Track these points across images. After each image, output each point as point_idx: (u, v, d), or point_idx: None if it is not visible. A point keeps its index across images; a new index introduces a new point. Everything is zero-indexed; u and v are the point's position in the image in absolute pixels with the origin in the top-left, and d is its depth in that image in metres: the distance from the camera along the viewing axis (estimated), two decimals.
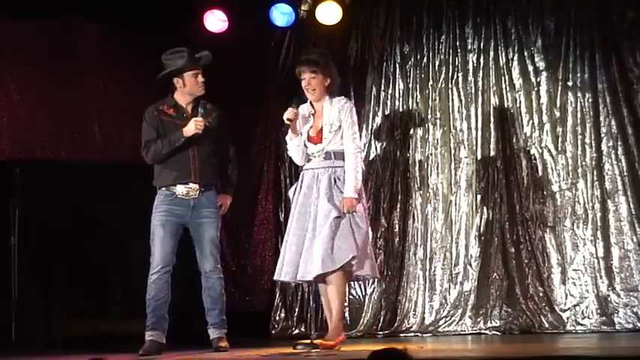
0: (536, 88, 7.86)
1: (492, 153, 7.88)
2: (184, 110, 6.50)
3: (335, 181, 6.22)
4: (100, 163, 7.80)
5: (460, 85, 7.98)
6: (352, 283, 7.83)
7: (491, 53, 7.94)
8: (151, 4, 7.66)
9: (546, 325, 7.55)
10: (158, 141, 6.44)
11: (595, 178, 7.69)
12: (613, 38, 7.71)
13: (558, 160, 7.79)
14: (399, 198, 7.97)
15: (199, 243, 6.48)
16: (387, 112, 8.09)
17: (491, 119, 7.91)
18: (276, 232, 8.12)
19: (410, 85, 8.08)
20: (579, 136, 7.76)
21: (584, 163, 7.73)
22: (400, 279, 7.87)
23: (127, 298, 7.65)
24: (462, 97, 7.98)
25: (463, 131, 7.95)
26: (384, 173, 8.01)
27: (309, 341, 6.46)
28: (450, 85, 8.00)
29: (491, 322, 7.66)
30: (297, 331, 7.91)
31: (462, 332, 7.68)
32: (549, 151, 7.80)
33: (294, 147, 6.38)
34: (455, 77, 8.00)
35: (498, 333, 7.60)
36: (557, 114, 7.81)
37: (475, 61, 7.97)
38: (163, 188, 6.47)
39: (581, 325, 7.53)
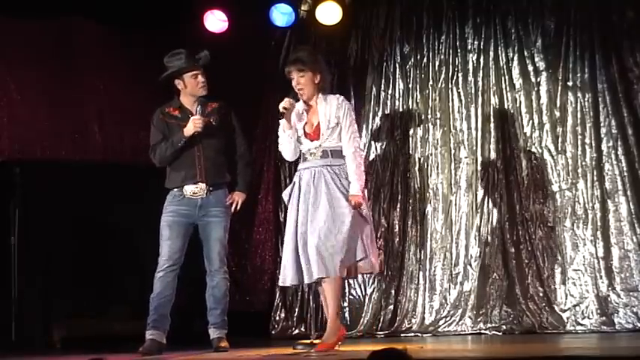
0: (536, 88, 7.86)
1: (492, 153, 7.88)
2: (189, 111, 6.51)
3: (337, 179, 6.16)
4: (100, 163, 7.81)
5: (460, 85, 7.98)
6: (352, 283, 7.86)
7: (491, 53, 7.94)
8: (151, 4, 7.66)
9: (546, 325, 7.55)
10: (162, 143, 6.47)
11: (595, 178, 7.69)
12: (613, 38, 7.71)
13: (558, 160, 7.79)
14: (399, 198, 7.98)
15: (206, 242, 6.50)
16: (387, 112, 8.09)
17: (491, 119, 7.91)
18: (276, 232, 8.12)
19: (410, 85, 8.08)
20: (579, 136, 7.76)
21: (584, 163, 7.73)
22: (400, 279, 7.87)
23: (128, 298, 7.65)
24: (462, 97, 7.98)
25: (463, 131, 7.95)
26: (384, 173, 8.01)
27: (309, 341, 6.47)
28: (450, 85, 8.00)
29: (491, 322, 7.66)
30: (297, 331, 7.92)
31: (462, 332, 7.68)
32: (549, 151, 7.80)
33: (286, 139, 6.30)
34: (455, 77, 8.00)
35: (498, 333, 7.60)
36: (557, 114, 7.82)
37: (475, 61, 7.98)
38: (175, 189, 6.50)
39: (581, 325, 7.53)
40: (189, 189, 6.46)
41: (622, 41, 7.67)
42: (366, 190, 6.39)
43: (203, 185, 6.46)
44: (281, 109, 6.24)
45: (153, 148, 6.53)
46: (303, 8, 7.96)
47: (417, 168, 7.99)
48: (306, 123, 6.30)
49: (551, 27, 7.84)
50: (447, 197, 7.92)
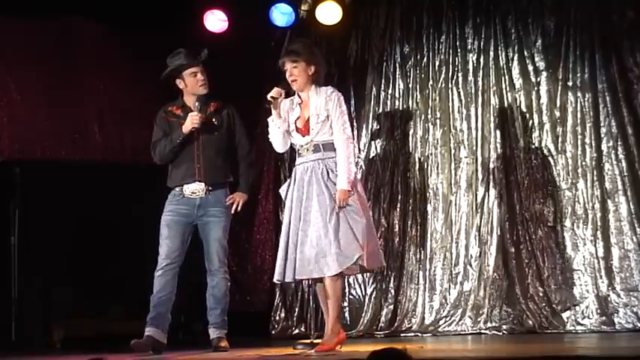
0: (536, 88, 7.86)
1: (492, 153, 7.88)
2: (191, 110, 6.52)
3: (328, 173, 6.08)
4: (100, 163, 7.81)
5: (460, 85, 7.99)
6: (352, 283, 7.86)
7: (491, 53, 7.94)
8: (151, 4, 7.66)
9: (546, 325, 7.55)
10: (162, 140, 6.49)
11: (595, 178, 7.69)
12: (613, 38, 7.71)
13: (558, 160, 7.79)
14: (399, 198, 7.97)
15: (206, 242, 6.52)
16: (387, 112, 8.09)
17: (491, 119, 7.91)
18: (276, 232, 8.10)
19: (410, 85, 8.08)
20: (579, 136, 7.76)
21: (584, 163, 7.74)
22: (400, 279, 7.87)
23: (128, 298, 7.64)
24: (462, 97, 7.98)
25: (463, 131, 7.95)
26: (384, 173, 8.01)
27: (309, 341, 6.46)
28: (450, 85, 8.00)
29: (491, 322, 7.66)
30: (297, 331, 7.91)
31: (462, 332, 7.68)
32: (549, 151, 7.81)
33: (275, 129, 6.24)
34: (455, 77, 8.00)
35: (498, 333, 7.60)
36: (557, 114, 7.82)
37: (475, 61, 7.98)
38: (176, 188, 6.51)
39: (581, 325, 7.53)
40: (188, 188, 6.47)
41: (622, 41, 7.68)
42: (359, 183, 6.23)
43: (202, 185, 6.46)
44: (268, 97, 6.18)
45: (153, 145, 6.56)
46: (303, 8, 7.96)
47: (417, 168, 7.99)
48: (298, 117, 6.24)
49: (551, 27, 7.85)
50: (447, 197, 7.92)
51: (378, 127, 8.08)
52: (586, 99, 7.77)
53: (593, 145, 7.71)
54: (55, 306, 7.75)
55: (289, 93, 6.32)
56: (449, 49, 8.02)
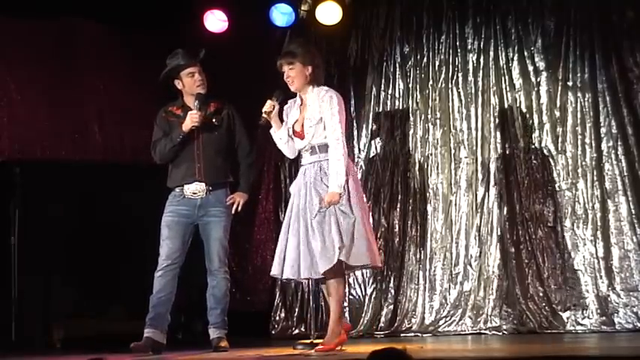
0: (536, 88, 7.86)
1: (492, 153, 7.88)
2: (190, 110, 6.52)
3: (321, 176, 6.08)
4: (100, 163, 7.81)
5: (460, 85, 7.98)
6: (352, 283, 7.86)
7: (491, 53, 7.94)
8: (151, 4, 7.66)
9: (546, 325, 7.55)
10: (162, 139, 6.50)
11: (595, 178, 7.69)
12: (613, 38, 7.71)
13: (558, 160, 7.79)
14: (399, 198, 7.97)
15: (207, 242, 6.52)
16: (387, 112, 8.09)
17: (491, 119, 7.91)
18: (277, 232, 8.10)
19: (410, 85, 8.08)
20: (579, 136, 7.76)
21: (584, 163, 7.73)
22: (400, 279, 7.87)
23: (128, 299, 7.64)
24: (462, 97, 7.98)
25: (463, 131, 7.95)
26: (384, 173, 8.01)
27: (309, 341, 6.46)
28: (450, 85, 8.00)
29: (491, 322, 7.65)
30: (297, 331, 7.91)
31: (462, 332, 7.68)
32: (549, 151, 7.81)
33: (278, 140, 6.31)
34: (455, 77, 8.00)
35: (498, 333, 7.60)
36: (557, 114, 7.81)
37: (475, 61, 7.98)
38: (176, 188, 6.52)
39: (581, 325, 7.53)
40: (189, 189, 6.47)
41: (622, 41, 7.67)
42: (352, 182, 6.11)
43: (202, 185, 6.47)
44: (263, 114, 6.20)
45: (154, 144, 6.56)
46: (303, 8, 7.96)
47: (417, 168, 7.99)
48: (296, 121, 6.25)
49: (551, 27, 7.84)
50: (447, 197, 7.91)
51: (378, 127, 8.07)
52: (586, 99, 7.77)
53: (593, 145, 7.71)
54: (55, 306, 7.76)
55: (288, 96, 6.32)
56: (449, 49, 8.01)
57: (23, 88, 7.60)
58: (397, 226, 7.95)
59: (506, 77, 7.91)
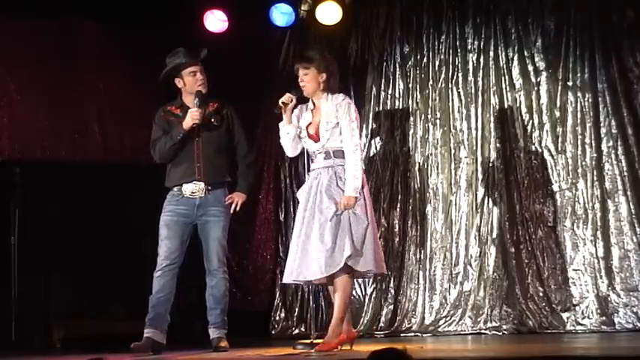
0: (536, 88, 7.86)
1: (492, 153, 7.88)
2: (189, 109, 6.52)
3: (336, 180, 6.14)
4: (100, 163, 7.81)
5: (460, 85, 7.99)
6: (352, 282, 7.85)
7: (491, 53, 7.94)
8: (151, 4, 7.66)
9: (546, 325, 7.55)
10: (162, 138, 6.49)
11: (595, 178, 7.69)
12: (613, 38, 7.71)
13: (558, 160, 7.79)
14: (399, 198, 7.97)
15: (205, 241, 6.51)
16: (387, 112, 8.09)
17: (491, 119, 7.91)
18: (277, 232, 8.13)
19: (410, 85, 8.08)
20: (579, 136, 7.76)
21: (584, 163, 7.74)
22: (400, 279, 7.87)
23: (128, 299, 7.64)
24: (462, 97, 7.98)
25: (463, 131, 7.95)
26: (384, 173, 8.01)
27: (309, 341, 6.46)
28: (450, 85, 8.00)
29: (491, 322, 7.66)
30: (297, 331, 7.92)
31: (462, 332, 7.68)
32: (549, 151, 7.81)
33: (285, 135, 6.32)
34: (455, 77, 8.00)
35: (498, 333, 7.60)
36: (557, 114, 7.82)
37: (475, 61, 7.98)
38: (175, 188, 6.51)
39: (581, 325, 7.54)
40: (187, 188, 6.47)
41: (622, 41, 7.68)
42: (366, 189, 6.23)
43: (201, 184, 6.46)
44: (280, 103, 6.25)
45: (153, 143, 6.55)
46: (303, 8, 7.96)
47: (417, 168, 7.99)
48: (310, 124, 6.30)
49: (551, 27, 7.85)
50: (447, 197, 7.92)
51: (378, 127, 8.08)
52: (586, 99, 7.77)
53: (593, 145, 7.71)
54: (55, 306, 7.76)
55: (301, 98, 6.34)
56: (449, 49, 8.02)
57: (23, 88, 7.60)
58: (397, 226, 7.95)
59: (506, 77, 7.91)
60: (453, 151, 7.95)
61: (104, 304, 7.82)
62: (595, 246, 7.62)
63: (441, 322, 7.76)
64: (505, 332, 7.60)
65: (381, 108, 8.11)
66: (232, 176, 6.65)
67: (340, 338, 6.17)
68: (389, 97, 8.11)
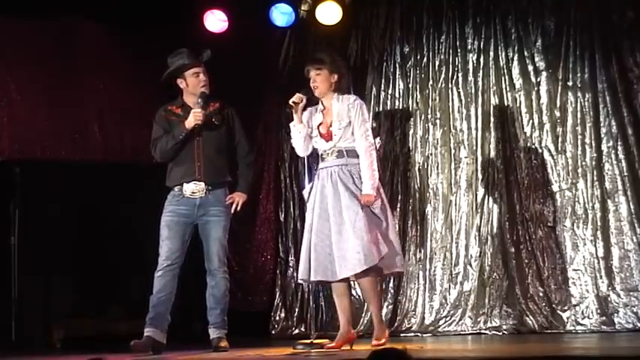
0: (536, 88, 7.86)
1: (492, 153, 7.88)
2: (191, 109, 6.52)
3: (353, 179, 6.23)
4: (100, 163, 7.81)
5: (460, 85, 7.99)
6: (352, 283, 7.84)
7: (491, 53, 7.94)
8: (151, 4, 7.66)
9: (546, 325, 7.56)
10: (163, 137, 6.49)
11: (595, 178, 7.69)
12: (613, 38, 7.71)
13: (558, 160, 7.79)
14: (399, 198, 7.98)
15: (206, 241, 6.52)
16: (387, 112, 8.09)
17: (491, 119, 7.91)
18: (277, 232, 8.13)
19: (410, 85, 8.08)
20: (579, 136, 7.76)
21: (584, 163, 7.73)
22: (400, 279, 7.86)
23: (128, 298, 7.65)
24: (462, 97, 7.98)
25: (463, 131, 7.95)
26: (384, 173, 7.99)
27: (309, 341, 6.46)
28: (450, 85, 8.00)
29: (491, 322, 7.66)
30: (297, 331, 7.92)
31: (462, 332, 7.68)
32: (549, 151, 7.80)
33: (296, 134, 6.41)
34: (455, 77, 8.00)
35: (498, 333, 7.60)
36: (557, 114, 7.81)
37: (475, 61, 7.98)
38: (175, 188, 6.51)
39: (581, 325, 7.53)
40: (188, 188, 6.47)
41: (622, 41, 7.67)
42: (381, 188, 6.36)
43: (201, 184, 6.46)
44: (290, 102, 6.34)
45: (154, 142, 6.55)
46: (303, 8, 7.97)
47: (417, 168, 8.00)
48: (321, 123, 6.38)
49: (551, 27, 7.84)
50: (447, 197, 7.92)
51: (378, 127, 8.08)
52: (586, 99, 7.77)
53: (593, 145, 7.71)
54: (55, 306, 7.76)
55: (312, 99, 6.38)
56: (449, 49, 8.02)
57: (23, 88, 7.60)
58: (397, 226, 7.94)
59: (506, 77, 7.91)
60: (453, 151, 7.95)
61: (104, 304, 7.83)
62: (595, 246, 7.62)
63: (441, 322, 7.76)
64: (505, 332, 7.60)
65: (381, 108, 8.12)
66: (233, 176, 6.66)
67: (347, 338, 6.31)
68: (389, 97, 8.11)
